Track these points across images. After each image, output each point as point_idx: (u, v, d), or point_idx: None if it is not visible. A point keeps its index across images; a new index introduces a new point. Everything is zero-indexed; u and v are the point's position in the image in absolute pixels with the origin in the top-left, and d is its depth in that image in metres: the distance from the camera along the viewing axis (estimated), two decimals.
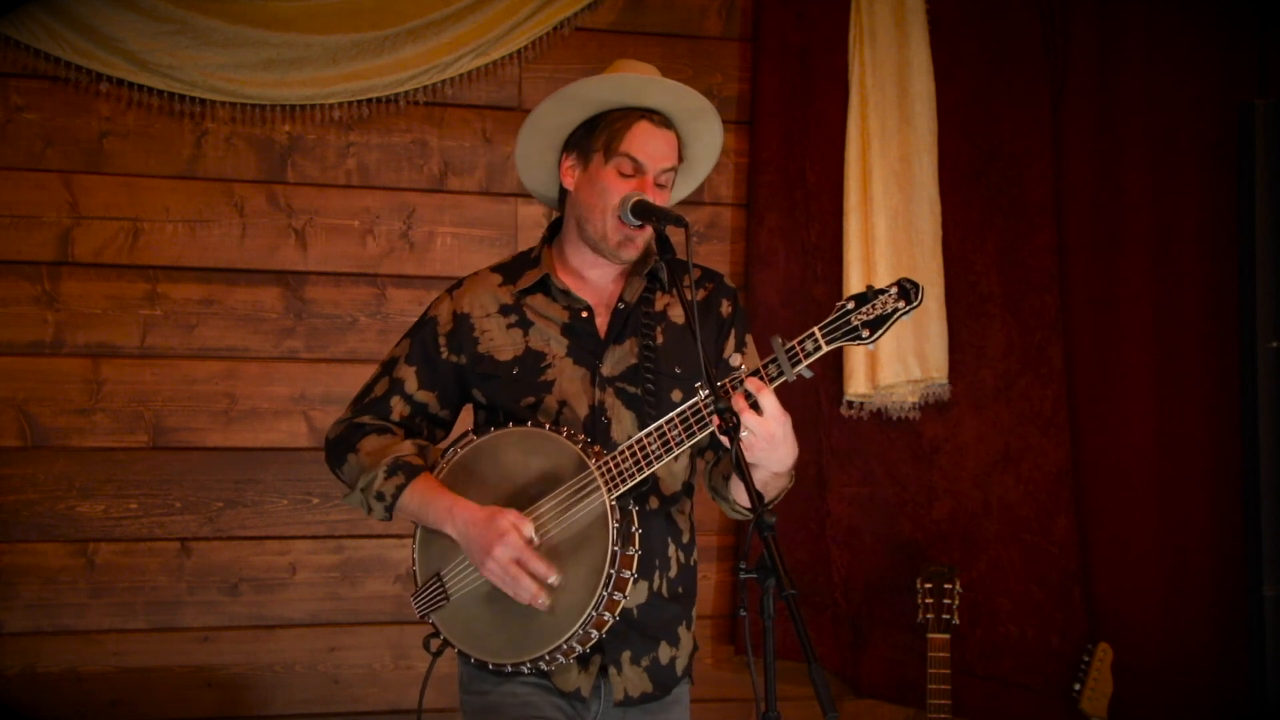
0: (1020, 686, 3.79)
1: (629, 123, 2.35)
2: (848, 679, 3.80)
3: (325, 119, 3.57)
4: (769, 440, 2.15)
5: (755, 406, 2.12)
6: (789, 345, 2.16)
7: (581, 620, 2.19)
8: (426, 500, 2.31)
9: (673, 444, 2.19)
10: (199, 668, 3.48)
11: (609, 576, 2.18)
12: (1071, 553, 3.81)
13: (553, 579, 2.20)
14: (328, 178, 3.60)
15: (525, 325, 2.41)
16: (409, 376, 2.44)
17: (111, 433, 3.46)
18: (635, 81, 2.35)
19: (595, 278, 2.44)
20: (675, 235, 2.28)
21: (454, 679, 2.45)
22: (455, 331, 2.42)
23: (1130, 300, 3.90)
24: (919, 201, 3.77)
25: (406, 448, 2.37)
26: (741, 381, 2.15)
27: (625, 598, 2.22)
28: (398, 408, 2.43)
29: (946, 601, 3.53)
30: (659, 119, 2.37)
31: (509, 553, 2.19)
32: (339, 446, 2.43)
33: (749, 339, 2.51)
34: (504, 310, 2.42)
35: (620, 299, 2.42)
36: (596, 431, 2.33)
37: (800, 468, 3.74)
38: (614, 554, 2.18)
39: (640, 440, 2.21)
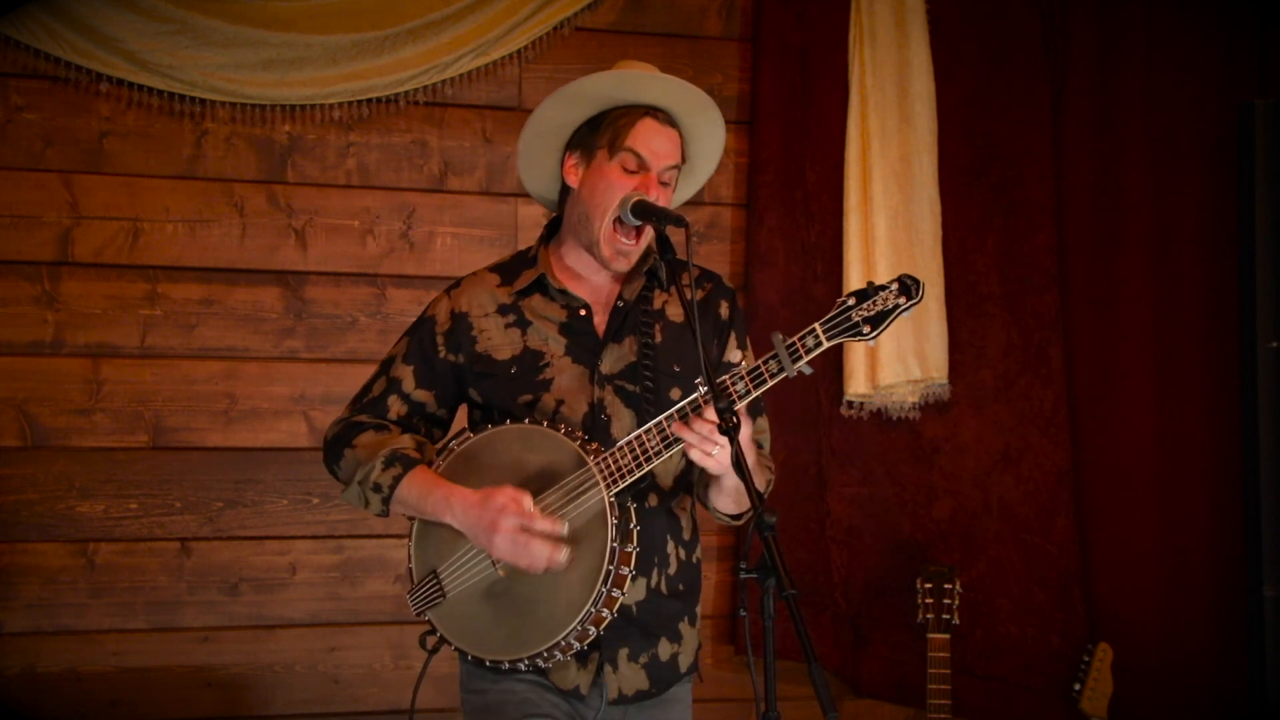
0: (1020, 686, 3.79)
1: (633, 119, 2.35)
2: (848, 679, 3.80)
3: (325, 119, 3.57)
4: (722, 466, 2.19)
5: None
6: (790, 341, 2.16)
7: (580, 617, 2.19)
8: (424, 492, 2.31)
9: (672, 440, 2.19)
10: (199, 668, 3.48)
11: (608, 573, 2.18)
12: (1071, 553, 3.82)
13: (562, 529, 2.19)
14: (328, 178, 3.60)
15: (523, 325, 2.41)
16: (406, 375, 2.44)
17: (111, 433, 3.46)
18: (638, 77, 2.36)
19: (593, 277, 2.44)
20: (676, 235, 2.28)
21: (455, 679, 2.44)
22: (453, 331, 2.42)
23: (1130, 300, 3.90)
24: (919, 201, 3.77)
25: (404, 441, 2.37)
26: (742, 378, 2.17)
27: (624, 594, 2.22)
28: (395, 406, 2.43)
29: (946, 601, 3.53)
30: (663, 117, 2.38)
31: (513, 522, 2.19)
32: (336, 444, 2.43)
33: (748, 341, 2.51)
34: (502, 310, 2.43)
35: (619, 297, 2.42)
36: (596, 429, 2.33)
37: (800, 468, 3.80)
38: (613, 550, 2.19)
39: (639, 437, 2.21)
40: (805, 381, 3.72)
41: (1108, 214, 3.92)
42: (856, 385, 3.72)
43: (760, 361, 2.18)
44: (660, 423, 2.20)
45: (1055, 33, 3.90)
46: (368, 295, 3.62)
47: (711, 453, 2.15)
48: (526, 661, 2.25)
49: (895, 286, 2.15)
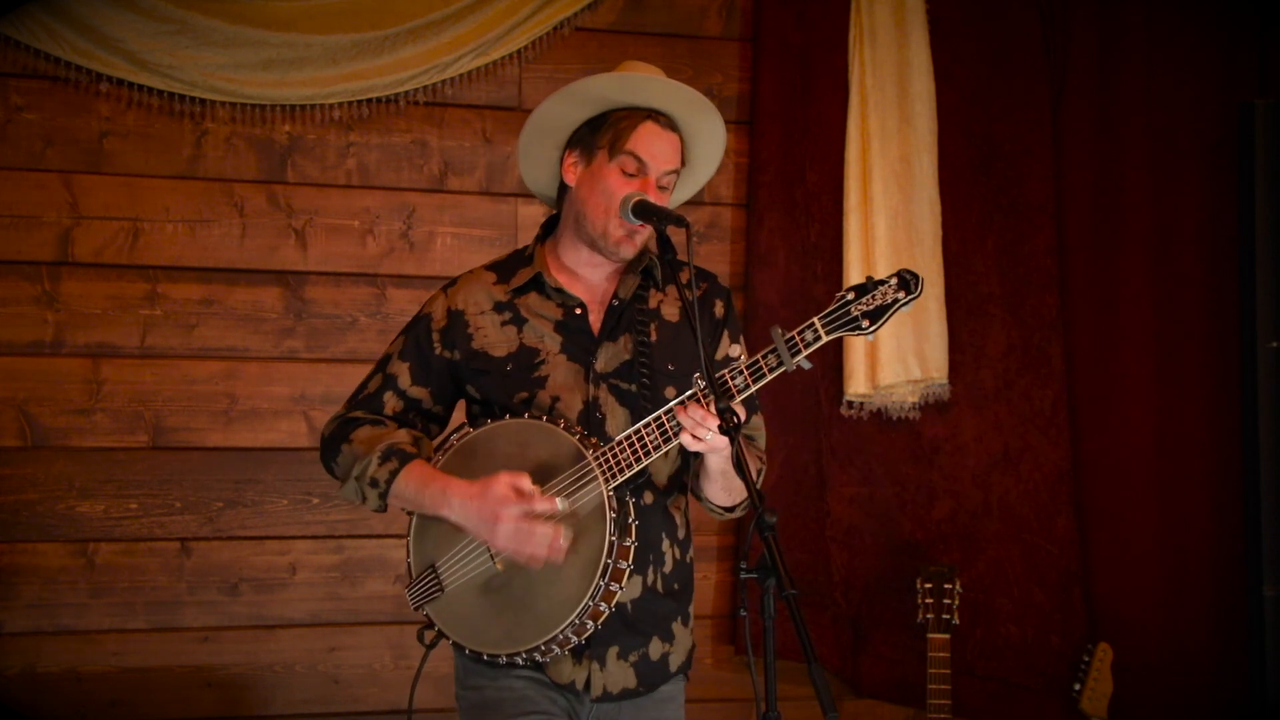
0: (1020, 686, 3.79)
1: (634, 122, 2.36)
2: (848, 679, 3.80)
3: (325, 119, 3.58)
4: (710, 446, 2.20)
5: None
6: (789, 335, 2.17)
7: (577, 610, 2.19)
8: (421, 485, 2.31)
9: (671, 435, 2.20)
10: (199, 668, 3.48)
11: (605, 567, 2.18)
12: (1071, 553, 3.82)
13: (561, 504, 2.19)
14: (328, 178, 3.60)
15: (519, 322, 2.41)
16: (402, 372, 2.44)
17: (111, 433, 3.46)
18: (639, 79, 2.37)
19: (589, 275, 2.45)
20: (676, 235, 2.29)
21: (453, 679, 2.44)
22: (449, 328, 2.43)
23: (1130, 300, 3.90)
24: (919, 201, 3.77)
25: (401, 435, 2.38)
26: (741, 372, 2.18)
27: (622, 589, 2.22)
28: (390, 403, 2.44)
29: (946, 601, 3.53)
30: (664, 121, 2.38)
31: (515, 510, 2.19)
32: (333, 440, 2.43)
33: (742, 340, 2.52)
34: (498, 307, 2.43)
35: (615, 296, 2.43)
36: (591, 426, 2.33)
37: (800, 468, 3.80)
38: (611, 544, 2.19)
39: (638, 431, 2.22)
40: (805, 382, 3.73)
41: (1108, 214, 3.92)
42: (856, 385, 3.72)
43: (759, 355, 2.18)
44: (659, 418, 2.21)
45: (1055, 33, 3.91)
46: (368, 295, 3.62)
47: (704, 437, 2.15)
48: (524, 655, 2.25)
49: (894, 281, 2.16)
